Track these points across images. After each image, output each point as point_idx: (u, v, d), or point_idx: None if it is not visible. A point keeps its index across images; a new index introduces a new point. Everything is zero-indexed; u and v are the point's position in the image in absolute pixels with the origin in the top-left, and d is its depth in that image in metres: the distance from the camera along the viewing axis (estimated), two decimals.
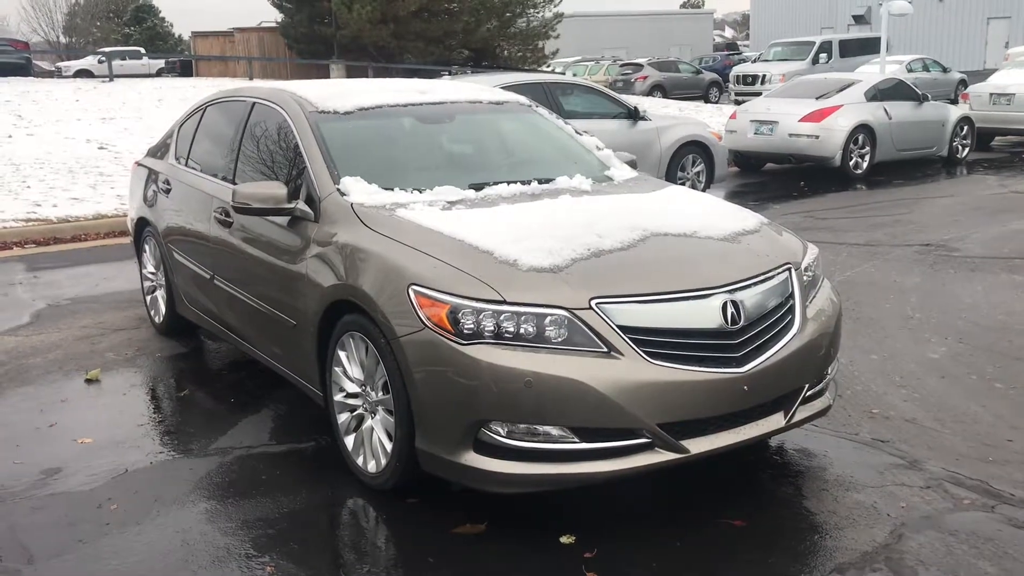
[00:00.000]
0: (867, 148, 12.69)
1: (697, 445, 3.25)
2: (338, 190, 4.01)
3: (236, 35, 34.30)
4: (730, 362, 3.28)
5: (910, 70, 25.76)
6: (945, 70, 27.56)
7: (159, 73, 36.87)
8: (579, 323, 3.16)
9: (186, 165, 5.48)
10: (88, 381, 5.11)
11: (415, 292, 3.31)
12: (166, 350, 5.68)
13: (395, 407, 3.42)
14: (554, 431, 3.14)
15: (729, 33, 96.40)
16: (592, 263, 3.37)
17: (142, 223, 6.02)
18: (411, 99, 4.76)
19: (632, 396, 3.11)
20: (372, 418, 3.65)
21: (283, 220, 4.18)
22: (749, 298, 3.43)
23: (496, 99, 5.06)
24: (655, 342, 3.20)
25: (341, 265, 3.70)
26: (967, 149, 14.36)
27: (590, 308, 3.18)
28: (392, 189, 4.04)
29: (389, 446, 3.52)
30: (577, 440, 3.14)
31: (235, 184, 4.71)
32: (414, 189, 4.07)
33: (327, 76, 30.45)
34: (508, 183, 4.21)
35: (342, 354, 3.75)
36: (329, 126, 4.38)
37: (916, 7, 21.57)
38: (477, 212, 3.84)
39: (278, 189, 4.09)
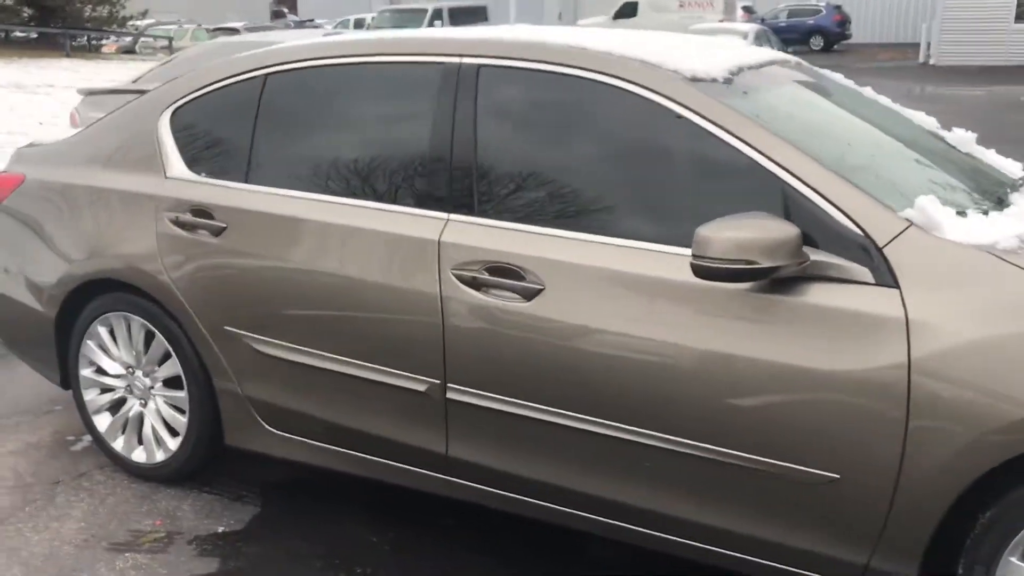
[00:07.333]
0: None
1: None
2: (909, 222, 2.19)
3: None
4: None
5: None
6: None
7: None
8: None
9: (264, 184, 2.99)
10: None
11: None
12: (225, 515, 3.15)
13: None
14: None
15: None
16: None
17: (96, 287, 3.29)
18: (755, 57, 2.93)
19: None
20: None
21: (741, 285, 2.24)
22: None
23: (782, 57, 3.35)
24: None
25: None
26: None
27: None
28: (964, 213, 2.32)
29: None
30: None
31: (462, 215, 2.64)
32: (978, 208, 2.40)
33: None
34: None
35: None
36: (742, 106, 2.47)
37: None
38: None
39: (786, 229, 2.15)
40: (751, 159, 2.32)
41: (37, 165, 3.55)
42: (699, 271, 2.16)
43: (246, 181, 3.03)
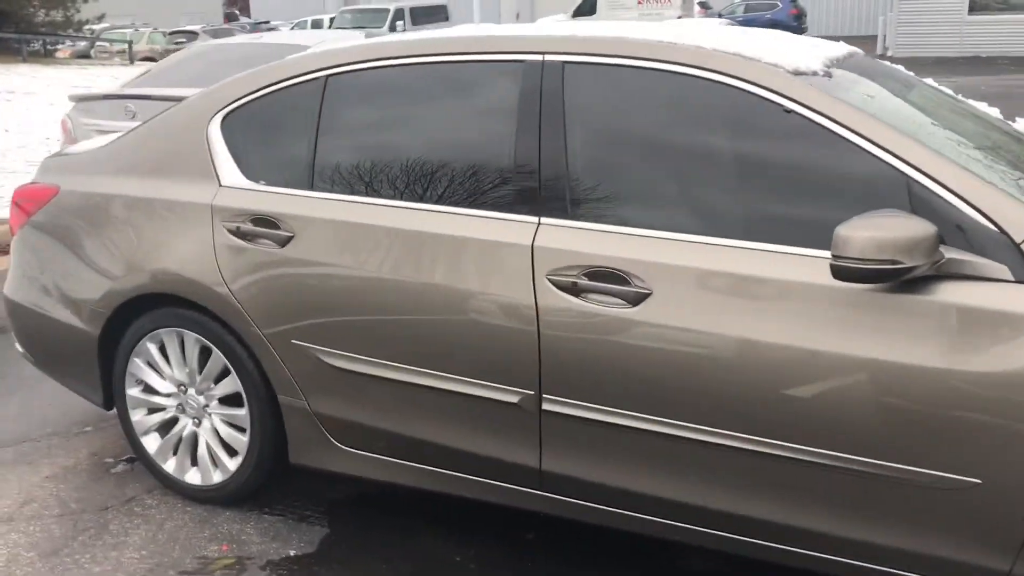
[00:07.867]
0: None
1: None
2: None
3: None
4: None
5: None
6: None
7: None
8: None
9: (333, 191, 2.87)
10: None
11: None
12: (293, 536, 3.01)
13: None
14: None
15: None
16: None
17: (145, 302, 3.14)
18: (838, 50, 2.88)
19: None
20: None
21: (870, 285, 2.16)
22: None
23: (853, 49, 3.29)
24: None
25: None
26: None
27: None
28: None
29: None
30: None
31: (557, 218, 2.54)
32: None
33: None
34: None
35: None
36: (850, 99, 2.40)
37: None
38: None
39: (924, 226, 2.08)
40: (872, 155, 2.24)
41: (71, 176, 3.38)
42: (840, 272, 2.08)
43: (311, 188, 2.89)
